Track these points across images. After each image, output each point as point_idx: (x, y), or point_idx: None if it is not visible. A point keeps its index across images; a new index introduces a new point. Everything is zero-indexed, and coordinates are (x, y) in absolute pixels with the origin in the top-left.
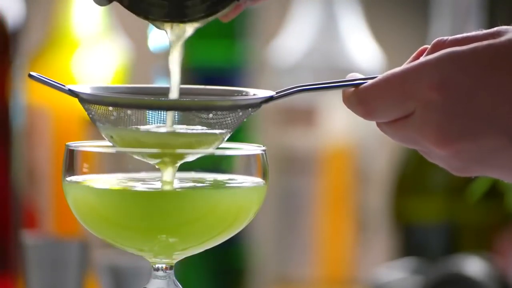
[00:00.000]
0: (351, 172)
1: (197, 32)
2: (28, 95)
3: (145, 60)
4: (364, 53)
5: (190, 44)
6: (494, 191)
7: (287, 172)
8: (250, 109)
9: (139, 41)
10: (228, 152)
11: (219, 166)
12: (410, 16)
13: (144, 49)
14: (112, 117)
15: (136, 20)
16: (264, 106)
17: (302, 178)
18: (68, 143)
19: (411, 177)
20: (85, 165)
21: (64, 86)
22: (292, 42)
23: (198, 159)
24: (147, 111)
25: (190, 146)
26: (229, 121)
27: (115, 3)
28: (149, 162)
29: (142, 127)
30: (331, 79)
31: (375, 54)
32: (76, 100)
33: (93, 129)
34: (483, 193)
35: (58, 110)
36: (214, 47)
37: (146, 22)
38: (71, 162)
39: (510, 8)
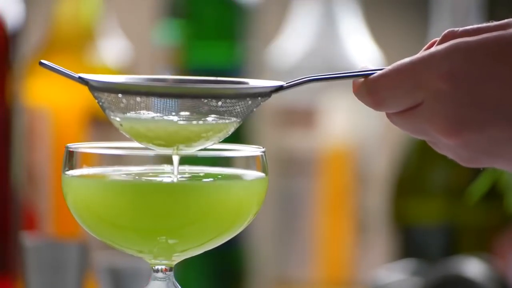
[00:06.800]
0: (351, 174)
1: (197, 33)
2: (28, 96)
3: (145, 60)
4: (363, 54)
5: (190, 46)
6: (494, 192)
7: (287, 174)
8: (259, 98)
9: (139, 41)
10: (228, 154)
11: (219, 165)
12: (410, 17)
13: (144, 49)
14: (122, 105)
15: (136, 20)
16: (263, 107)
17: (302, 179)
18: (68, 144)
19: (411, 179)
20: (85, 166)
21: (74, 74)
22: (291, 44)
23: (197, 157)
24: (157, 99)
25: (199, 134)
26: (239, 110)
27: None
28: (156, 150)
29: (152, 115)
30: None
31: (374, 55)
32: (75, 101)
33: (93, 130)
34: (483, 194)
35: (57, 111)
36: (213, 49)
37: (146, 22)
38: (71, 164)
39: (510, 8)
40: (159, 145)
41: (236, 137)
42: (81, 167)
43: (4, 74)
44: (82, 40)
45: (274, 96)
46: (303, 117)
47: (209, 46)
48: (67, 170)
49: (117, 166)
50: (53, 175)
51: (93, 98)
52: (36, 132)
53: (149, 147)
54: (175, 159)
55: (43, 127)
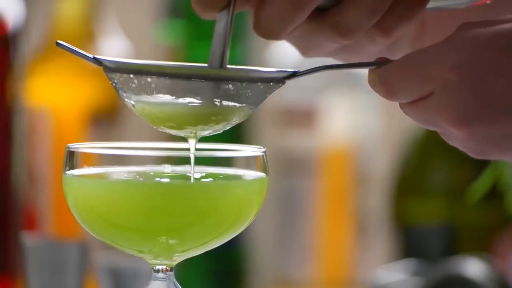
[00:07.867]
0: (351, 174)
1: (197, 33)
2: (28, 96)
3: (145, 60)
4: None
5: (190, 46)
6: (494, 192)
7: (287, 174)
8: (272, 83)
9: (139, 41)
10: (228, 154)
11: (219, 165)
12: None
13: (144, 49)
14: (134, 85)
15: (136, 20)
16: (263, 107)
17: (302, 179)
18: (69, 144)
19: (411, 179)
20: (85, 166)
21: (89, 54)
22: None
23: (197, 157)
24: (168, 80)
25: (209, 117)
26: (250, 95)
27: None
28: (169, 132)
29: (164, 97)
30: (331, 79)
31: None
32: (75, 101)
33: (93, 130)
34: (483, 194)
35: (57, 111)
36: None
37: (146, 22)
38: (71, 164)
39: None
40: (171, 127)
41: (236, 137)
42: (81, 167)
43: (5, 74)
44: (82, 40)
45: (275, 96)
46: (303, 117)
47: (209, 46)
48: (68, 170)
49: (117, 166)
50: (54, 175)
51: (93, 98)
52: (36, 132)
53: (162, 130)
54: (191, 147)
55: (44, 127)
